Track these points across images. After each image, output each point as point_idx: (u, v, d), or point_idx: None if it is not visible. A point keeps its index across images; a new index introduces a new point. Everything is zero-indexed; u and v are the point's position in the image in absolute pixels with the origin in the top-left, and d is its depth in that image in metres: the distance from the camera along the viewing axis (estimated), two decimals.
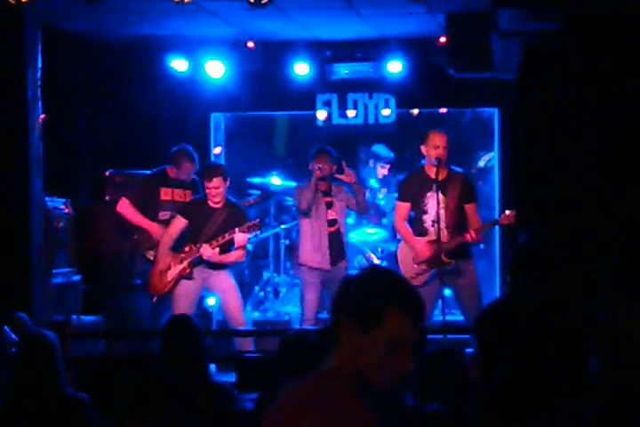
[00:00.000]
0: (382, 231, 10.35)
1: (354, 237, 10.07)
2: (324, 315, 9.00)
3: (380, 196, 10.57)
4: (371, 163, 10.79)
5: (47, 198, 8.55)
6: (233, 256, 8.37)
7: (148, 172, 9.25)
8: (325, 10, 8.98)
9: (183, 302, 8.32)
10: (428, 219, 8.12)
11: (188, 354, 5.04)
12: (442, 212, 8.05)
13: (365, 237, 10.25)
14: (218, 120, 11.40)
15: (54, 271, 8.59)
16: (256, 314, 10.01)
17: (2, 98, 8.03)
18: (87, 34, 9.98)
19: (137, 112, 10.56)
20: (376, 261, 10.06)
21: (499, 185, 10.51)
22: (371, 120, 10.88)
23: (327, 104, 10.93)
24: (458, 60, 8.83)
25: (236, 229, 8.15)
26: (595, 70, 7.63)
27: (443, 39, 9.53)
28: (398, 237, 10.04)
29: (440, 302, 8.00)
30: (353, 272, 2.85)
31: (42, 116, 8.30)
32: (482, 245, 9.50)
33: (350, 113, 10.90)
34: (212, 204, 8.36)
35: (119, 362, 7.41)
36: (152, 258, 8.80)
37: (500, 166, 10.58)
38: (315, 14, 9.27)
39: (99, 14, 8.79)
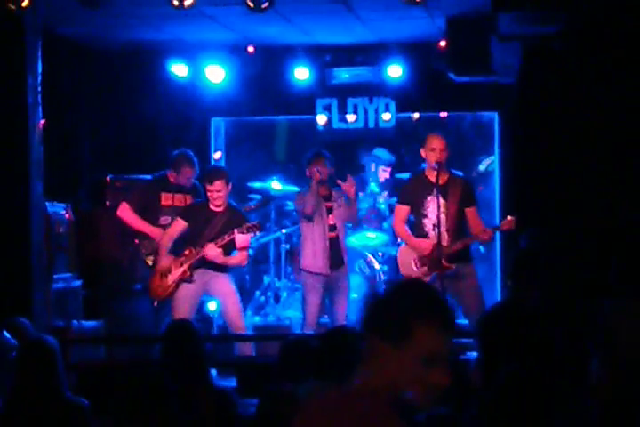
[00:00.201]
0: (383, 235, 10.34)
1: (354, 241, 10.06)
2: (326, 319, 9.00)
3: (381, 200, 10.57)
4: (372, 166, 10.79)
5: (47, 203, 8.55)
6: (236, 258, 8.37)
7: (149, 177, 9.24)
8: (325, 14, 8.99)
9: (183, 306, 8.31)
10: (428, 223, 8.11)
11: (189, 359, 5.03)
12: (442, 216, 8.04)
13: (366, 241, 10.24)
14: (218, 125, 11.40)
15: (55, 276, 8.58)
16: (257, 319, 10.00)
17: (2, 103, 8.04)
18: (87, 39, 9.99)
19: (137, 117, 10.56)
20: (376, 266, 10.05)
21: (499, 189, 10.50)
22: (371, 124, 10.88)
23: (327, 108, 10.94)
24: (458, 63, 8.83)
25: (235, 230, 8.14)
26: (594, 73, 7.63)
27: (442, 43, 9.53)
28: (399, 240, 10.05)
29: None
30: (382, 286, 2.63)
31: (42, 122, 8.31)
32: (482, 249, 9.49)
33: (350, 117, 10.90)
34: (213, 207, 8.36)
35: (119, 367, 7.40)
36: (152, 263, 8.80)
37: (500, 170, 10.57)
38: (314, 19, 9.27)
39: (99, 19, 8.80)
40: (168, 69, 10.63)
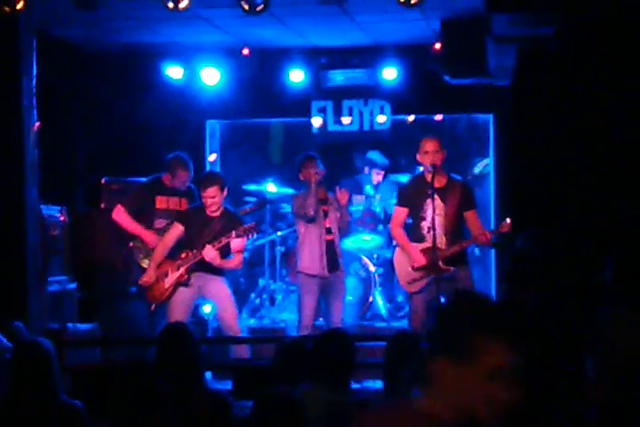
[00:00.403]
0: (378, 238, 10.35)
1: (349, 243, 10.06)
2: (321, 322, 8.99)
3: (376, 202, 10.57)
4: (366, 169, 10.79)
5: (42, 206, 8.54)
6: (233, 262, 8.37)
7: (144, 179, 9.24)
8: (320, 17, 8.99)
9: (179, 309, 8.30)
10: (426, 226, 8.11)
11: (184, 361, 5.02)
12: (441, 219, 8.05)
13: (361, 243, 10.24)
14: (213, 127, 11.40)
15: (50, 279, 8.57)
16: (252, 321, 10.00)
17: None
18: (82, 41, 9.99)
19: (132, 119, 10.55)
20: (371, 268, 10.06)
21: (494, 191, 10.51)
22: (366, 127, 10.88)
23: (322, 111, 10.94)
24: (453, 66, 8.84)
25: (233, 233, 8.14)
26: (590, 75, 7.63)
27: (437, 45, 9.54)
28: (394, 243, 10.05)
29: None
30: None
31: (37, 124, 8.30)
32: (477, 252, 9.49)
33: (345, 120, 10.90)
34: (208, 212, 8.35)
35: (114, 370, 7.39)
36: (147, 266, 8.79)
37: (495, 172, 10.58)
38: (310, 21, 9.28)
39: (94, 22, 8.79)
40: (163, 72, 10.64)
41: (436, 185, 8.06)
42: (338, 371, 5.04)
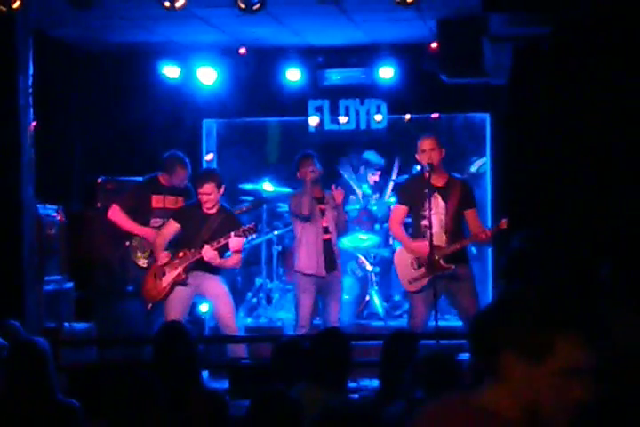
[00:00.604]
0: (375, 237, 10.35)
1: (346, 242, 10.06)
2: (318, 321, 8.99)
3: (373, 202, 10.58)
4: (361, 169, 10.80)
5: (39, 205, 8.54)
6: (231, 261, 8.37)
7: (140, 178, 9.24)
8: (317, 16, 8.98)
9: (176, 308, 8.30)
10: (426, 224, 8.11)
11: (181, 360, 5.02)
12: (441, 218, 8.06)
13: (358, 242, 10.24)
14: (210, 126, 11.39)
15: (46, 278, 8.57)
16: (249, 320, 10.00)
17: None
18: (78, 41, 9.98)
19: (129, 119, 10.55)
20: (368, 267, 10.06)
21: (491, 190, 10.51)
22: (362, 126, 10.87)
23: (319, 110, 10.93)
24: (449, 65, 8.84)
25: (232, 234, 8.14)
26: (585, 74, 7.64)
27: (434, 44, 9.53)
28: (391, 242, 10.06)
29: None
30: (500, 294, 2.35)
31: (33, 123, 8.29)
32: (474, 250, 9.50)
33: (342, 119, 10.90)
34: (205, 209, 8.36)
35: (110, 369, 7.39)
36: (143, 265, 8.79)
37: (491, 171, 10.58)
38: (306, 20, 9.27)
39: (90, 21, 8.79)
40: (159, 71, 10.62)
41: (437, 184, 8.08)
42: (334, 370, 5.04)
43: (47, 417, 4.72)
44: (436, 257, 7.94)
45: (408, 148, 8.78)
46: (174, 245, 8.45)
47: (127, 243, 8.98)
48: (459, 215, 8.14)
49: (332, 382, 5.00)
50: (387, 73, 10.50)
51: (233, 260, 8.37)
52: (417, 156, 8.14)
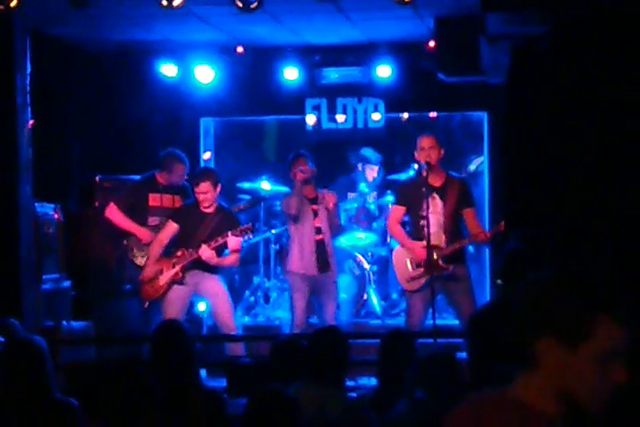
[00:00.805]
0: (372, 235, 10.35)
1: (344, 241, 10.06)
2: (315, 320, 8.99)
3: (370, 200, 10.58)
4: (359, 166, 10.80)
5: (37, 204, 8.54)
6: (229, 260, 8.38)
7: (138, 177, 9.24)
8: (315, 14, 8.98)
9: (174, 307, 8.31)
10: (424, 224, 8.10)
11: (179, 359, 5.02)
12: (440, 218, 8.07)
13: (355, 241, 10.24)
14: (207, 125, 11.39)
15: (44, 277, 8.57)
16: (246, 319, 10.00)
17: None
18: (76, 39, 9.97)
19: (126, 117, 10.55)
20: (366, 266, 10.06)
21: (488, 189, 10.52)
22: (360, 125, 10.87)
23: (316, 109, 10.93)
24: (447, 63, 8.83)
25: (229, 233, 8.14)
26: (584, 73, 7.64)
27: (432, 43, 9.54)
28: (388, 240, 10.06)
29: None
30: (532, 276, 2.23)
31: (31, 122, 8.29)
32: (472, 250, 9.51)
33: (340, 117, 10.90)
34: (203, 208, 8.36)
35: (108, 367, 7.38)
36: (141, 264, 8.79)
37: (489, 170, 10.59)
38: (304, 19, 9.27)
39: (87, 20, 8.78)
40: (157, 70, 10.62)
41: (435, 183, 8.08)
42: (332, 368, 5.04)
43: (45, 416, 4.72)
44: (435, 257, 7.94)
45: (406, 146, 8.78)
46: (172, 244, 8.46)
47: (125, 241, 8.98)
48: (457, 215, 8.15)
49: (330, 380, 5.01)
50: (384, 72, 10.50)
51: (230, 259, 8.38)
52: (415, 153, 8.15)
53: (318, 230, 8.68)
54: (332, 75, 10.72)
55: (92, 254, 9.52)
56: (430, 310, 8.00)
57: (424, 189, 7.96)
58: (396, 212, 8.36)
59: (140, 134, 10.65)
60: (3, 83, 8.06)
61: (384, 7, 8.16)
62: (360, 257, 10.12)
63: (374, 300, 10.05)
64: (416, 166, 8.35)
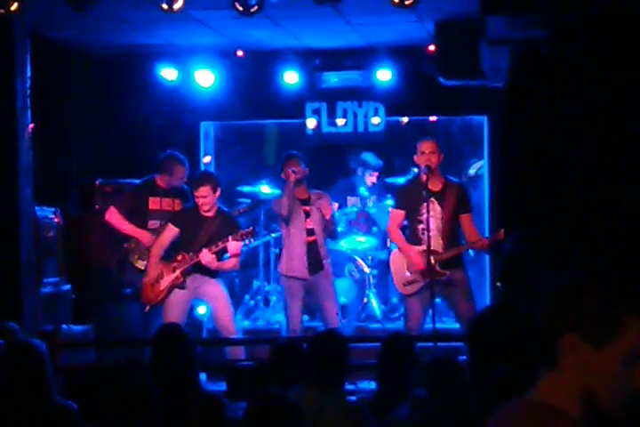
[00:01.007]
0: (372, 239, 10.35)
1: (344, 245, 10.07)
2: (316, 323, 8.98)
3: (370, 204, 10.58)
4: (359, 171, 10.80)
5: (37, 208, 8.54)
6: (229, 264, 8.38)
7: (138, 181, 9.24)
8: (315, 18, 8.99)
9: (175, 311, 8.30)
10: (423, 228, 8.10)
11: (179, 363, 5.02)
12: (438, 222, 8.07)
13: (355, 245, 10.24)
14: (207, 129, 11.39)
15: (44, 280, 8.56)
16: (246, 323, 10.00)
17: None
18: (76, 43, 9.98)
19: (126, 121, 10.55)
20: (366, 269, 10.06)
21: (488, 192, 10.52)
22: (360, 128, 10.88)
23: (317, 112, 10.93)
24: (447, 67, 8.84)
25: (230, 237, 8.14)
26: (584, 77, 7.64)
27: (432, 47, 9.54)
28: (388, 244, 10.06)
29: (430, 310, 8.00)
30: (552, 277, 2.19)
31: (31, 125, 8.29)
32: (472, 253, 9.51)
33: (340, 121, 10.90)
34: (203, 212, 8.36)
35: (108, 371, 7.38)
36: (141, 267, 8.79)
37: (489, 174, 10.59)
38: (304, 23, 9.28)
39: (88, 23, 8.78)
40: (157, 73, 10.63)
41: (433, 188, 8.08)
42: (332, 372, 5.04)
43: (45, 419, 4.72)
44: (432, 262, 7.94)
45: (406, 150, 8.78)
46: (172, 248, 8.46)
47: (125, 245, 8.98)
48: (455, 220, 8.14)
49: (330, 384, 5.00)
50: (384, 75, 10.50)
51: (230, 263, 8.38)
52: (415, 157, 8.15)
53: (310, 232, 8.63)
54: (332, 79, 10.73)
55: (91, 258, 9.52)
56: (430, 314, 8.00)
57: (424, 193, 7.96)
58: (396, 216, 8.36)
59: (140, 138, 10.66)
60: (3, 86, 8.06)
61: (384, 11, 8.16)
62: (360, 261, 10.11)
63: (374, 304, 10.04)
64: (416, 170, 8.34)
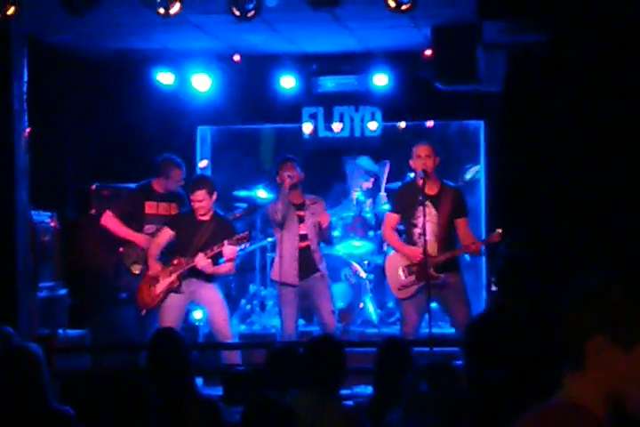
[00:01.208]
0: (369, 244, 10.34)
1: (340, 249, 10.06)
2: (312, 327, 8.97)
3: (367, 209, 10.57)
4: (355, 175, 10.79)
5: (33, 212, 8.53)
6: (224, 268, 8.37)
7: (134, 185, 9.24)
8: (311, 23, 9.00)
9: (171, 315, 8.30)
10: (417, 232, 8.10)
11: (175, 367, 5.02)
12: (433, 226, 8.06)
13: (352, 249, 10.23)
14: (204, 133, 11.39)
15: (40, 285, 8.56)
16: (242, 327, 9.99)
17: None
18: (73, 47, 9.98)
19: (123, 125, 10.55)
20: (362, 274, 10.05)
21: (485, 197, 10.52)
22: (357, 133, 10.88)
23: (313, 117, 10.93)
24: (444, 72, 8.85)
25: (225, 242, 8.14)
26: (580, 82, 7.66)
27: (428, 52, 9.55)
28: (384, 249, 10.05)
29: (427, 314, 7.99)
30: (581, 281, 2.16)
31: (28, 130, 8.29)
32: (468, 258, 9.53)
33: (336, 126, 10.90)
34: (199, 216, 8.36)
35: (104, 376, 7.37)
36: (137, 272, 8.79)
37: (486, 178, 10.60)
38: (301, 27, 9.28)
39: (84, 28, 8.78)
40: (154, 78, 10.62)
41: (429, 192, 8.08)
42: (328, 377, 5.04)
43: (41, 424, 4.71)
44: (427, 265, 7.93)
45: (402, 155, 8.78)
46: (169, 252, 8.46)
47: (121, 250, 8.97)
48: (450, 224, 8.13)
49: (326, 388, 5.00)
50: (381, 80, 10.50)
51: (226, 267, 8.37)
52: (411, 162, 8.14)
53: (303, 237, 8.60)
54: (329, 83, 10.73)
55: (88, 262, 9.52)
56: (425, 319, 7.99)
57: (420, 197, 7.96)
58: (390, 219, 8.36)
59: (136, 142, 10.65)
60: (0, 90, 8.06)
61: (381, 16, 8.17)
62: (356, 266, 10.10)
63: (370, 308, 10.03)
64: (412, 175, 8.33)
